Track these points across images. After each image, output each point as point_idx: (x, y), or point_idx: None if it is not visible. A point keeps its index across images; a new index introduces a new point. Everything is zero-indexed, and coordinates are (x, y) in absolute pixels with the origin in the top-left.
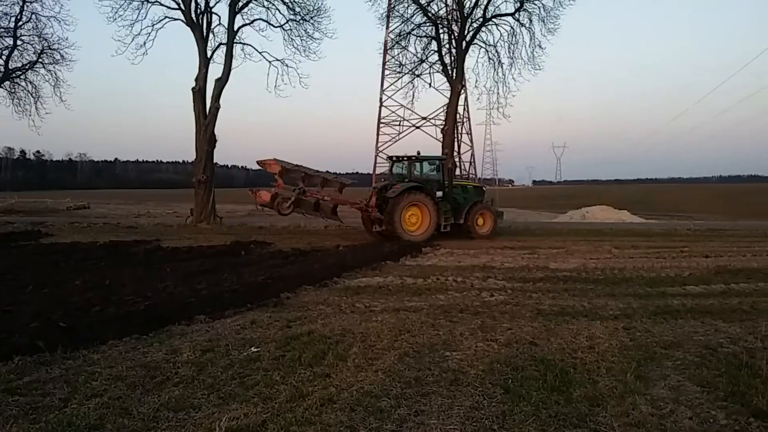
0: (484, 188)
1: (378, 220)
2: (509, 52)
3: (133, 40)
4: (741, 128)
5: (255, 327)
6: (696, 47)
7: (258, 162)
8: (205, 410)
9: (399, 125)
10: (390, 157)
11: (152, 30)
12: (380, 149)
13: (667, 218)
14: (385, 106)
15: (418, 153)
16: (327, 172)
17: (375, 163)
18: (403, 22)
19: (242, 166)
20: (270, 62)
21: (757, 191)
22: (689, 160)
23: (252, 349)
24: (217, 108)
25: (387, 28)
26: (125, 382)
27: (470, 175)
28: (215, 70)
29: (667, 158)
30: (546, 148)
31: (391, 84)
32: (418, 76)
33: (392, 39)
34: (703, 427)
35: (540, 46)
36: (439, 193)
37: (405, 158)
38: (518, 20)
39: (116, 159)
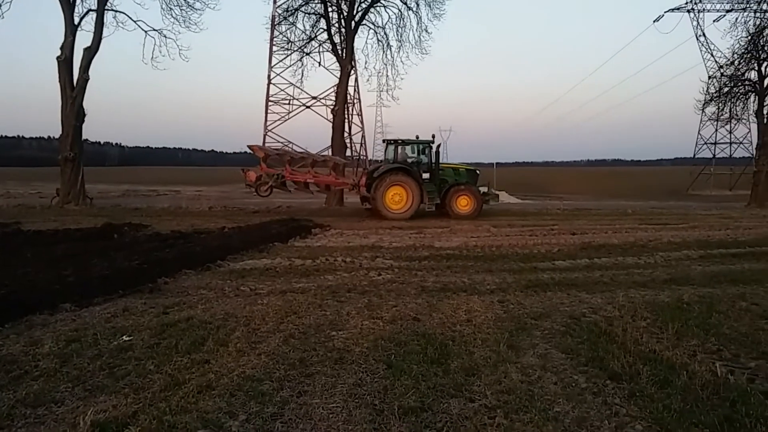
0: (477, 171)
1: (367, 197)
2: (397, 34)
3: None
4: (605, 117)
5: (127, 315)
6: (568, 40)
7: (248, 146)
8: (69, 404)
9: (288, 104)
10: (384, 140)
11: None
12: (269, 128)
13: (540, 199)
14: (274, 84)
15: (417, 137)
16: (315, 153)
17: (264, 141)
18: None
19: (116, 143)
20: (146, 32)
21: (619, 174)
22: (561, 145)
23: (123, 337)
24: (86, 79)
25: (274, 2)
26: None
27: (361, 157)
28: (84, 39)
29: (541, 143)
30: (433, 132)
31: (280, 61)
32: (307, 54)
33: (280, 14)
34: (566, 390)
35: (426, 31)
36: (427, 175)
37: (395, 141)
38: (405, 3)
39: None
